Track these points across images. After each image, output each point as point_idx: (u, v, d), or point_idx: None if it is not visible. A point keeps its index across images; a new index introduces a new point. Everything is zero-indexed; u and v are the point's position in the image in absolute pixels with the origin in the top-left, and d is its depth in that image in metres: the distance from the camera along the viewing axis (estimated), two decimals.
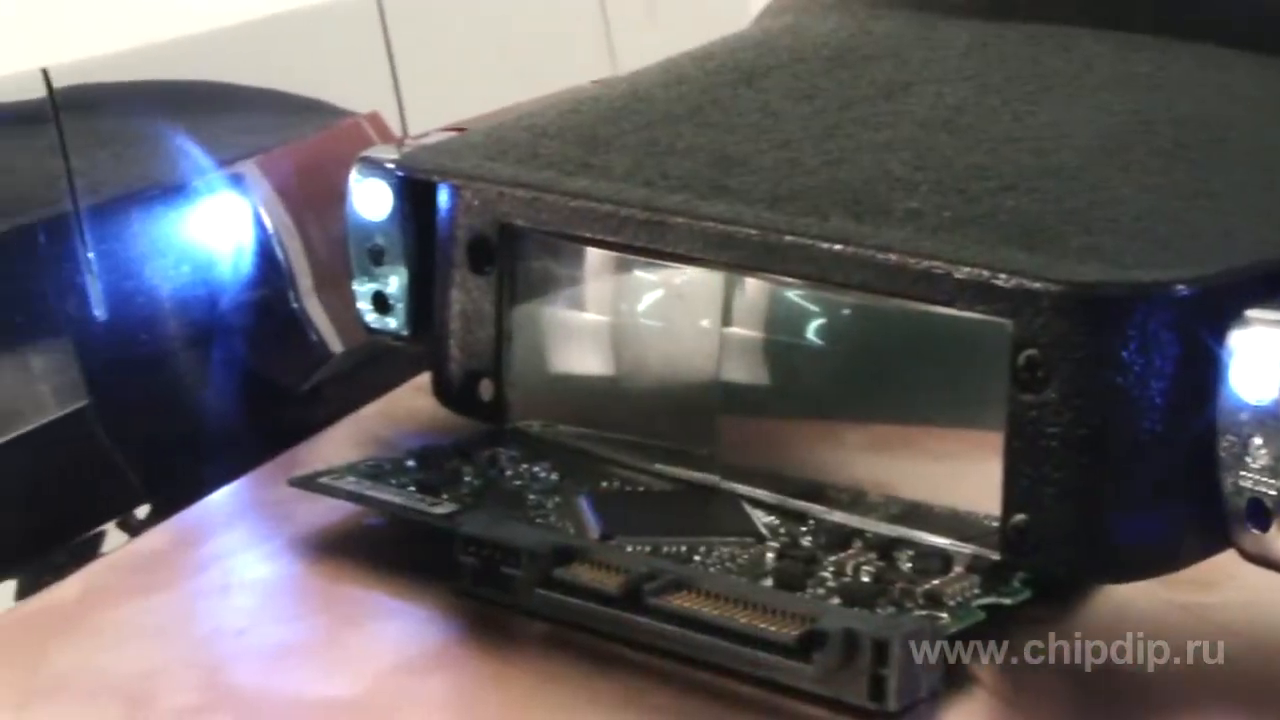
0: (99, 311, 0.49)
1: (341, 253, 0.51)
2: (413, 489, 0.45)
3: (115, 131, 0.51)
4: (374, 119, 0.59)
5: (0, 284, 0.48)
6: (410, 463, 0.47)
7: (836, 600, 0.41)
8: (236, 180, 0.54)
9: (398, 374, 0.54)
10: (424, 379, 0.51)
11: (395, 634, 0.42)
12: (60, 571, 0.45)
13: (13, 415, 0.47)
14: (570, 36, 0.68)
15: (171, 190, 0.52)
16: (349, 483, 0.46)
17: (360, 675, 0.41)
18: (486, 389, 0.49)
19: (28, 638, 0.42)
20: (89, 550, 0.47)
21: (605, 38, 0.68)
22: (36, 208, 0.49)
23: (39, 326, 0.48)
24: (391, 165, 0.49)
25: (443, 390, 0.50)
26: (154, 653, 0.41)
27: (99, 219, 0.50)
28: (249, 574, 0.45)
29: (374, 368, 0.55)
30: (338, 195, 0.51)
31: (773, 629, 0.39)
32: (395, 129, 0.60)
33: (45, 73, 0.49)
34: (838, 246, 0.41)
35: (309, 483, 0.46)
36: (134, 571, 0.45)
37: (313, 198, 0.55)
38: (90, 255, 0.49)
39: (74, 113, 0.49)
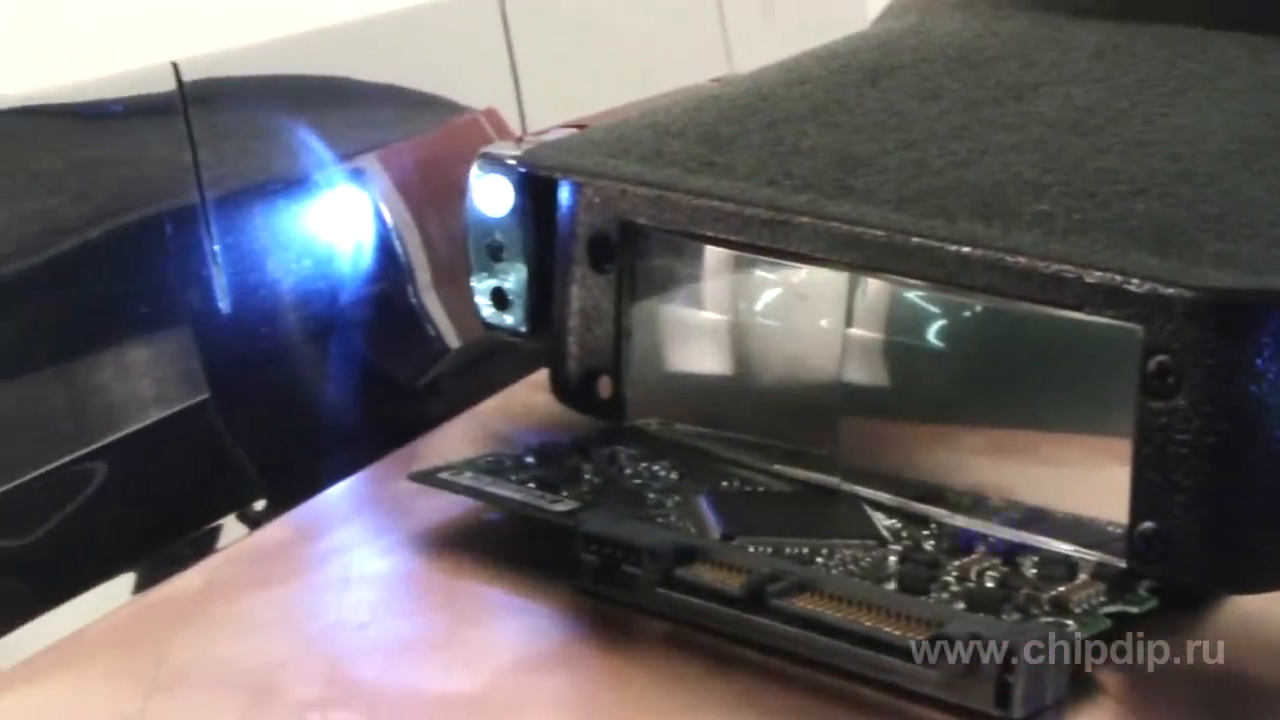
0: (223, 304, 0.50)
1: (459, 248, 0.51)
2: (532, 486, 0.45)
3: (239, 125, 0.52)
4: (491, 115, 0.60)
5: (127, 276, 0.48)
6: (529, 459, 0.47)
7: (961, 605, 0.40)
8: (357, 174, 0.54)
9: (513, 370, 0.54)
10: (541, 375, 0.51)
11: (515, 630, 0.42)
12: (180, 564, 0.45)
13: (134, 409, 0.48)
14: (686, 34, 0.68)
15: (293, 184, 0.52)
16: (468, 478, 0.46)
17: (481, 671, 0.41)
18: (605, 386, 0.49)
19: (152, 628, 0.42)
20: (207, 543, 0.48)
21: (721, 35, 0.68)
22: (161, 199, 0.49)
23: (163, 319, 0.49)
24: (513, 161, 0.49)
25: (561, 387, 0.50)
26: (276, 645, 0.42)
27: (222, 211, 0.50)
28: (369, 568, 0.45)
29: (489, 364, 0.55)
30: (456, 190, 0.51)
31: (898, 633, 0.38)
32: (512, 125, 0.60)
33: (175, 66, 0.49)
34: (965, 249, 0.41)
35: (429, 478, 0.46)
36: (255, 564, 0.45)
37: (431, 193, 0.56)
38: (216, 248, 0.49)
39: (199, 106, 0.50)
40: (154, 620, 0.43)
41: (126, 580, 0.46)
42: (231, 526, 0.48)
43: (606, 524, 0.43)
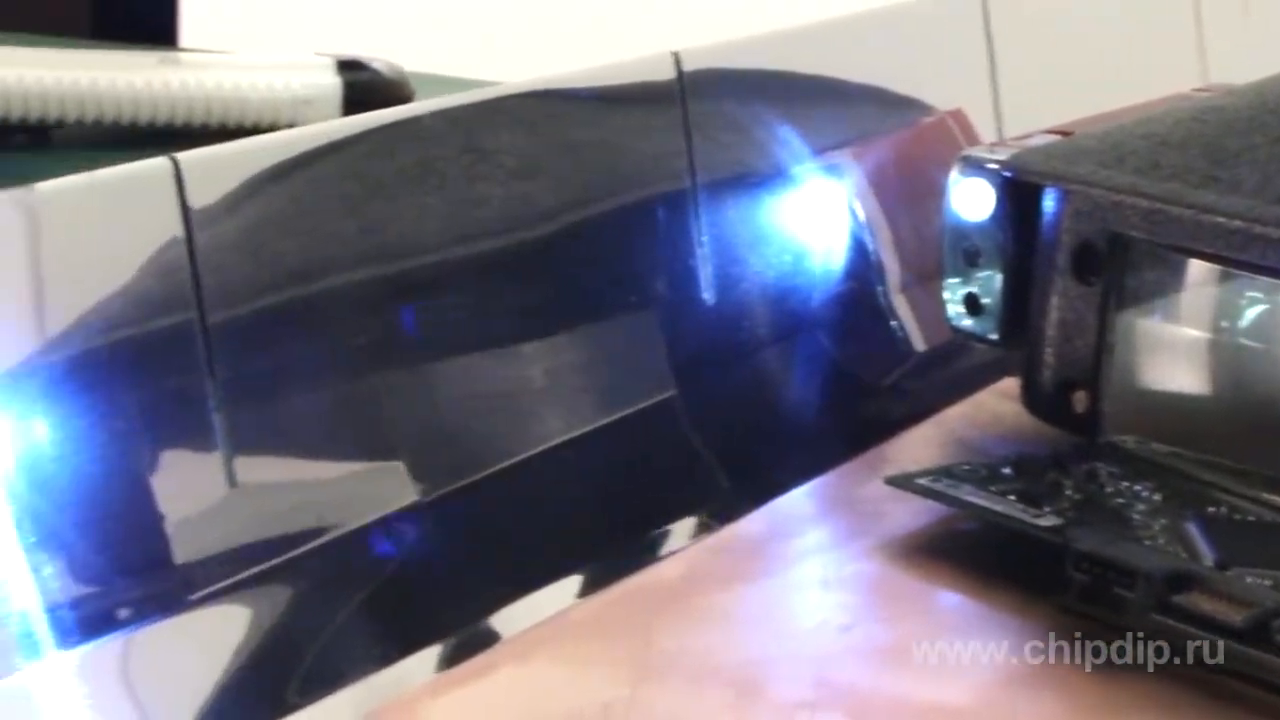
0: (708, 295, 0.50)
1: (926, 249, 0.50)
2: (1013, 498, 0.44)
3: (723, 116, 0.52)
4: (958, 116, 0.59)
5: (610, 262, 0.48)
6: (1006, 470, 0.46)
7: None
8: (831, 170, 0.54)
9: (975, 376, 0.54)
10: (1008, 384, 0.50)
11: (998, 644, 0.42)
12: (655, 553, 0.45)
13: (607, 401, 0.48)
14: (1160, 42, 0.66)
15: (770, 176, 0.52)
16: (947, 486, 0.45)
17: (967, 684, 0.40)
18: (1080, 400, 0.48)
19: (635, 614, 0.43)
20: (660, 543, 0.47)
21: (1196, 41, 0.66)
22: (642, 187, 0.50)
23: (644, 307, 0.49)
24: (996, 166, 0.48)
25: (1032, 398, 0.49)
26: (758, 641, 0.42)
27: (706, 202, 0.50)
28: (845, 570, 0.44)
29: (950, 368, 0.55)
30: (925, 191, 0.50)
31: None
32: (983, 128, 0.59)
33: (676, 56, 0.49)
34: None
35: (906, 482, 0.45)
36: (732, 557, 0.45)
37: (901, 192, 0.55)
38: (704, 238, 0.49)
39: (688, 95, 0.50)
40: (636, 606, 0.43)
41: (593, 569, 0.46)
42: (695, 524, 0.48)
43: (1098, 543, 0.42)
